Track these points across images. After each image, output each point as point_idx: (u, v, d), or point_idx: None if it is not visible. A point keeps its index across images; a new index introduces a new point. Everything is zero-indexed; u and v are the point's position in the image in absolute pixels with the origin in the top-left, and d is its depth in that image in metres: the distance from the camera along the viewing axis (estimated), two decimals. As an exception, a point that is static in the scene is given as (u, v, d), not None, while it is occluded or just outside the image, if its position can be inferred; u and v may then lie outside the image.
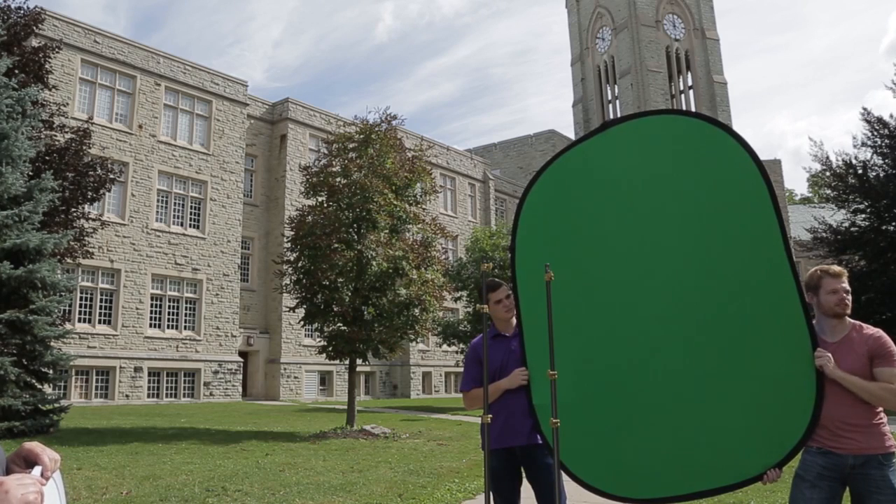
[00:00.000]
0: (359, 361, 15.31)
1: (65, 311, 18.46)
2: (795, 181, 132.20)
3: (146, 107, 27.18)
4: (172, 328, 26.87)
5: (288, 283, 15.39)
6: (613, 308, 3.23)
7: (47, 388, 14.40)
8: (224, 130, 29.77)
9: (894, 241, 25.25)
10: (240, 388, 28.33)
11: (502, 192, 44.69)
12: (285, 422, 17.06)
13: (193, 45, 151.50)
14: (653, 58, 50.76)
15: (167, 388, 26.09)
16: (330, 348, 14.90)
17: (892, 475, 3.09)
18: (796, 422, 2.94)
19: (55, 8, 55.16)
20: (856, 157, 27.02)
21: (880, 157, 26.51)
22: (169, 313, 26.84)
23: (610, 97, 54.36)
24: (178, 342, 26.66)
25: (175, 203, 27.84)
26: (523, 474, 3.82)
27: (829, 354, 3.01)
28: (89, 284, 24.58)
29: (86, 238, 17.22)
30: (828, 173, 28.04)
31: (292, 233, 15.15)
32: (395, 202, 14.98)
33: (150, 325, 26.11)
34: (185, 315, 27.36)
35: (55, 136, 16.96)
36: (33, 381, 12.61)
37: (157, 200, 27.17)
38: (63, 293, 13.09)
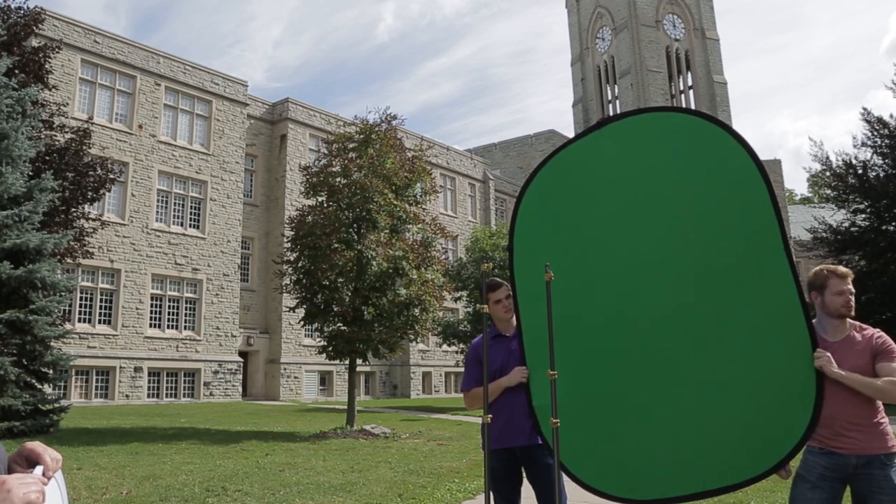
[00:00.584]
0: (359, 361, 15.31)
1: (65, 311, 18.46)
2: (795, 181, 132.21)
3: (146, 107, 27.18)
4: (172, 328, 26.87)
5: (288, 283, 15.39)
6: (612, 308, 3.22)
7: (47, 388, 14.40)
8: (224, 130, 29.77)
9: (894, 241, 25.25)
10: (240, 388, 28.33)
11: (502, 192, 44.69)
12: (285, 422, 17.05)
13: (193, 46, 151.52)
14: (653, 58, 50.76)
15: (167, 388, 26.08)
16: (330, 348, 14.90)
17: (894, 475, 3.08)
18: (796, 422, 2.93)
19: (55, 8, 55.15)
20: (856, 157, 27.02)
21: (880, 157, 26.51)
22: (169, 313, 26.84)
23: (610, 97, 54.36)
24: (178, 342, 26.66)
25: (175, 203, 27.84)
26: (523, 474, 3.83)
27: (829, 355, 3.01)
28: (89, 284, 24.58)
29: (86, 238, 17.22)
30: (828, 173, 28.04)
31: (292, 233, 15.14)
32: (395, 202, 14.98)
33: (150, 325, 26.11)
34: (185, 315, 27.36)
35: (55, 136, 16.96)
36: (33, 381, 12.61)
37: (157, 200, 27.17)
38: (63, 293, 13.09)
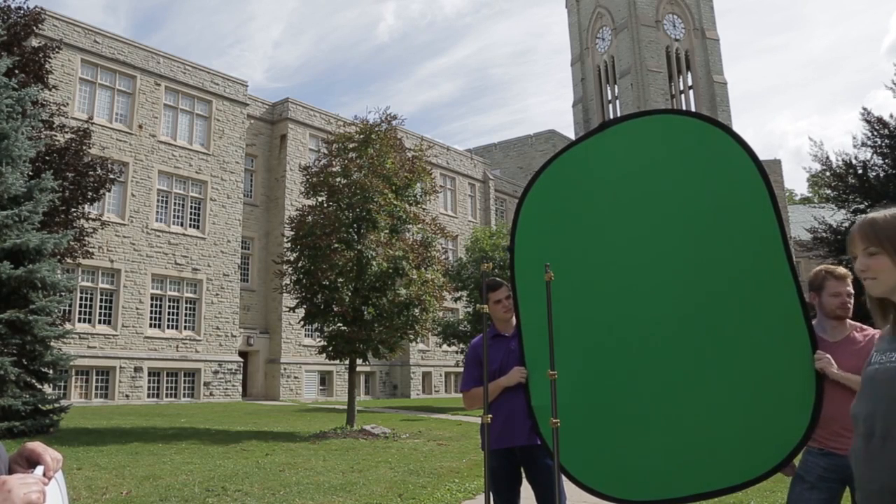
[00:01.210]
0: (359, 361, 15.32)
1: (65, 311, 18.46)
2: (795, 181, 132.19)
3: (146, 107, 27.19)
4: (172, 328, 26.87)
5: (288, 283, 15.40)
6: (612, 309, 3.23)
7: (47, 388, 14.40)
8: (224, 130, 29.77)
9: (894, 241, 25.22)
10: (240, 388, 28.33)
11: (502, 192, 44.68)
12: (285, 422, 17.06)
13: (193, 46, 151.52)
14: (653, 58, 50.75)
15: (167, 388, 26.09)
16: (330, 348, 14.90)
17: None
18: (796, 423, 2.93)
19: (55, 8, 55.17)
20: (856, 157, 26.99)
21: (880, 157, 26.50)
22: (169, 313, 26.85)
23: (610, 97, 54.35)
24: (178, 342, 26.67)
25: (175, 203, 27.85)
26: (523, 474, 3.83)
27: (829, 356, 3.00)
28: (89, 284, 24.59)
29: (86, 238, 17.21)
30: (828, 173, 28.02)
31: (292, 233, 15.15)
32: (395, 202, 14.99)
33: (150, 325, 26.11)
34: (185, 315, 27.36)
35: (55, 136, 16.96)
36: (33, 381, 12.61)
37: (157, 200, 27.18)
38: (63, 293, 13.09)
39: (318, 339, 18.12)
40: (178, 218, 27.81)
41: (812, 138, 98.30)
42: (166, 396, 25.91)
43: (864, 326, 3.32)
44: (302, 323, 16.10)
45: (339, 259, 13.99)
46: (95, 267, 24.58)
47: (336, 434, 13.41)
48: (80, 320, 24.05)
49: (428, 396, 34.46)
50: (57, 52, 18.15)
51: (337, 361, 15.88)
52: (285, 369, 30.23)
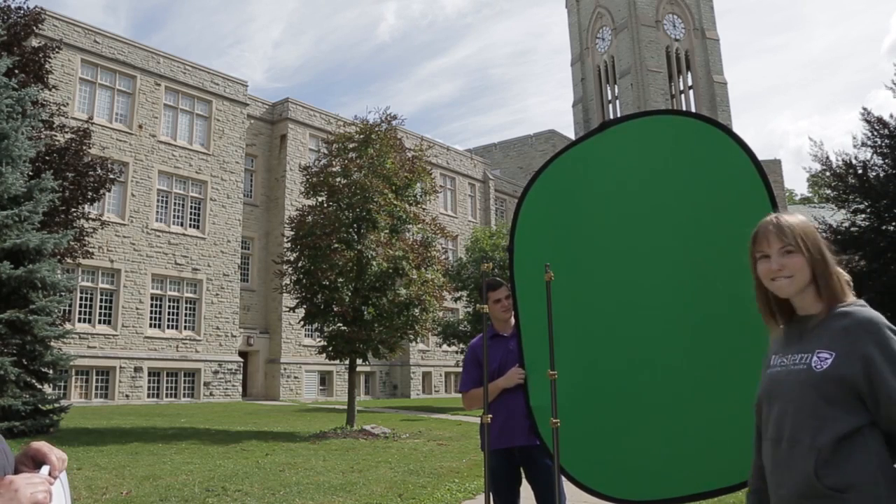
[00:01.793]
0: (359, 361, 15.32)
1: (65, 311, 18.45)
2: (796, 181, 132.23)
3: (146, 107, 27.19)
4: (172, 328, 26.87)
5: (288, 283, 15.40)
6: (612, 309, 3.23)
7: (47, 388, 14.40)
8: (224, 130, 29.77)
9: (894, 241, 25.24)
10: (240, 388, 28.34)
11: (502, 192, 44.68)
12: (285, 422, 17.06)
13: (194, 46, 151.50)
14: (653, 58, 50.75)
15: (167, 388, 26.09)
16: (330, 348, 14.90)
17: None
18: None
19: (55, 8, 55.17)
20: (856, 157, 26.98)
21: (880, 157, 26.49)
22: (169, 313, 26.85)
23: (610, 97, 54.36)
24: (178, 342, 26.67)
25: (175, 203, 27.85)
26: (523, 475, 3.83)
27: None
28: (89, 284, 24.59)
29: (86, 238, 17.21)
30: (827, 173, 28.02)
31: (292, 233, 15.15)
32: (395, 202, 14.99)
33: (150, 325, 26.11)
34: (185, 315, 27.36)
35: (55, 136, 16.95)
36: (33, 381, 12.61)
37: (157, 200, 27.18)
38: (63, 293, 13.09)
39: (318, 339, 18.12)
40: (178, 218, 27.81)
41: (812, 138, 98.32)
42: (166, 396, 25.91)
43: None
44: (302, 323, 16.10)
45: (339, 259, 13.99)
46: (95, 267, 24.58)
47: (336, 434, 13.41)
48: (80, 320, 24.05)
49: (428, 396, 34.46)
50: (57, 52, 18.15)
51: (337, 361, 15.88)
52: (285, 369, 30.23)
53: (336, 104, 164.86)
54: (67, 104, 21.72)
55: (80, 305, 24.26)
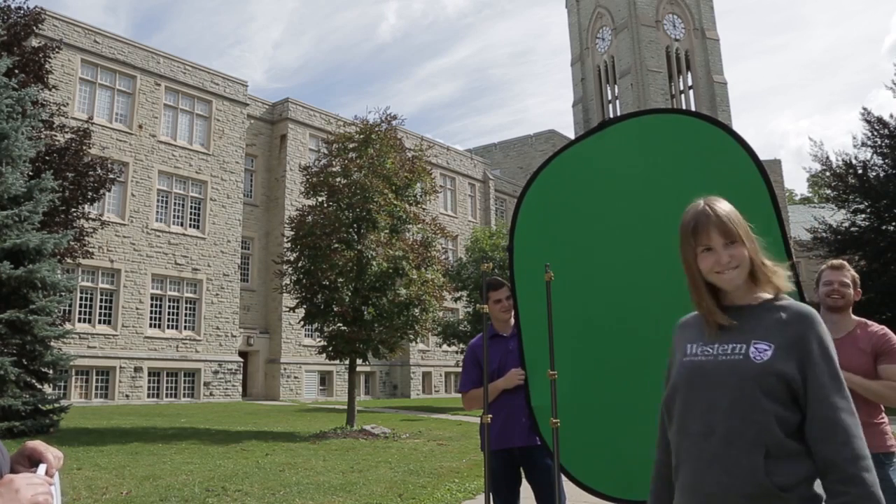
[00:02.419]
0: (359, 361, 15.31)
1: (65, 311, 18.46)
2: (796, 181, 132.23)
3: (146, 107, 27.18)
4: (172, 328, 26.86)
5: (288, 283, 15.39)
6: (612, 308, 3.22)
7: (47, 388, 14.39)
8: (224, 130, 29.77)
9: (894, 241, 25.26)
10: (240, 388, 28.33)
11: (502, 192, 44.67)
12: (285, 422, 17.05)
13: (194, 46, 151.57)
14: (653, 58, 50.74)
15: (167, 388, 26.08)
16: (330, 348, 14.90)
17: (892, 474, 3.08)
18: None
19: (55, 8, 55.13)
20: (856, 157, 27.04)
21: (880, 157, 26.53)
22: (169, 313, 26.84)
23: (610, 97, 54.34)
24: (178, 342, 26.66)
25: (175, 203, 27.84)
26: (523, 475, 3.83)
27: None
28: (89, 284, 24.58)
29: (86, 238, 17.21)
30: (828, 173, 28.06)
31: (292, 233, 15.15)
32: (395, 202, 14.99)
33: (150, 325, 26.11)
34: (185, 315, 27.36)
35: (55, 136, 16.95)
36: (33, 381, 12.61)
37: (157, 200, 27.17)
38: (63, 293, 13.08)
39: (318, 339, 18.11)
40: (178, 218, 27.81)
41: (812, 138, 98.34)
42: (166, 396, 25.90)
43: (871, 323, 3.28)
44: (302, 323, 16.10)
45: (339, 259, 13.99)
46: (95, 267, 24.57)
47: (336, 434, 13.40)
48: (80, 320, 24.04)
49: (428, 396, 34.45)
50: (57, 52, 18.14)
51: (337, 361, 15.88)
52: (285, 369, 30.23)
53: (336, 104, 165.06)
54: (67, 104, 21.71)
55: (80, 305, 24.25)
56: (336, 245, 14.29)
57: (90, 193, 16.83)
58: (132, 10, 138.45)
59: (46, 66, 17.13)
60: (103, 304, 24.93)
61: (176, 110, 28.38)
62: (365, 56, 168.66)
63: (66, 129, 17.19)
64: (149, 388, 25.47)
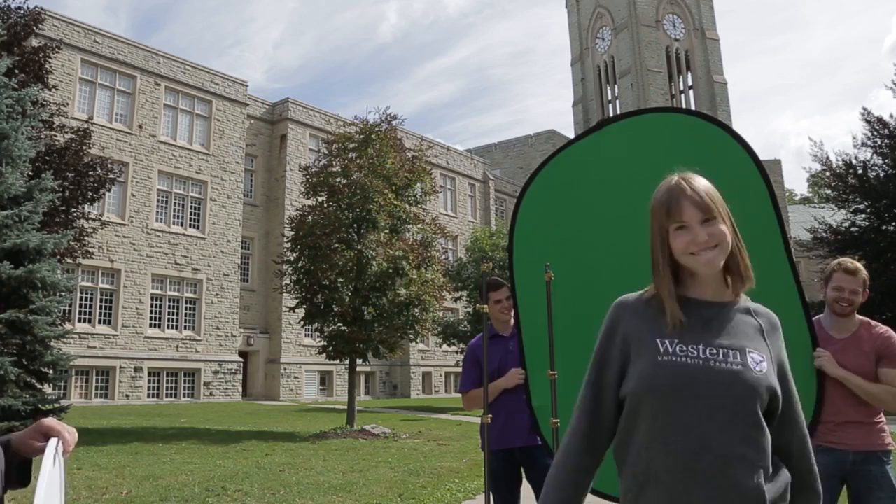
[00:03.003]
0: (359, 361, 15.32)
1: (65, 311, 18.44)
2: (796, 181, 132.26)
3: (146, 107, 27.18)
4: (172, 328, 26.86)
5: (288, 283, 15.40)
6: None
7: (47, 388, 14.35)
8: (224, 130, 29.77)
9: (894, 241, 25.25)
10: (240, 388, 28.33)
11: (502, 192, 44.67)
12: (285, 422, 17.05)
13: (194, 46, 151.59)
14: (653, 58, 50.74)
15: (167, 388, 26.08)
16: (330, 348, 14.90)
17: (891, 472, 3.08)
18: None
19: (55, 8, 55.15)
20: (856, 157, 27.01)
21: (880, 157, 26.51)
22: (169, 313, 26.84)
23: (610, 97, 54.34)
24: (178, 342, 26.66)
25: (175, 203, 27.84)
26: (523, 475, 3.83)
27: (829, 354, 2.99)
28: (89, 284, 24.58)
29: (86, 238, 17.19)
30: (828, 173, 28.04)
31: (292, 233, 15.15)
32: (395, 202, 14.99)
33: (150, 325, 26.11)
34: (185, 315, 27.36)
35: (55, 136, 16.94)
36: (33, 381, 12.58)
37: (157, 200, 27.17)
38: (63, 293, 13.06)
39: (318, 339, 18.11)
40: (178, 218, 27.81)
41: (812, 138, 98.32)
42: (166, 396, 25.90)
43: (875, 324, 3.27)
44: (302, 323, 16.11)
45: (339, 259, 13.99)
46: (95, 267, 24.57)
47: (336, 434, 13.40)
48: (80, 320, 24.05)
49: (428, 396, 34.45)
50: (57, 52, 18.13)
51: (337, 361, 15.88)
52: (285, 369, 30.22)
53: (336, 104, 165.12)
54: (67, 104, 21.70)
55: (80, 305, 24.25)
56: (336, 245, 14.29)
57: (90, 193, 16.82)
58: (132, 10, 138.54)
59: (46, 66, 17.11)
60: (103, 304, 24.93)
61: (176, 110, 28.38)
62: (365, 56, 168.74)
63: (66, 129, 17.18)
64: (149, 389, 25.47)
